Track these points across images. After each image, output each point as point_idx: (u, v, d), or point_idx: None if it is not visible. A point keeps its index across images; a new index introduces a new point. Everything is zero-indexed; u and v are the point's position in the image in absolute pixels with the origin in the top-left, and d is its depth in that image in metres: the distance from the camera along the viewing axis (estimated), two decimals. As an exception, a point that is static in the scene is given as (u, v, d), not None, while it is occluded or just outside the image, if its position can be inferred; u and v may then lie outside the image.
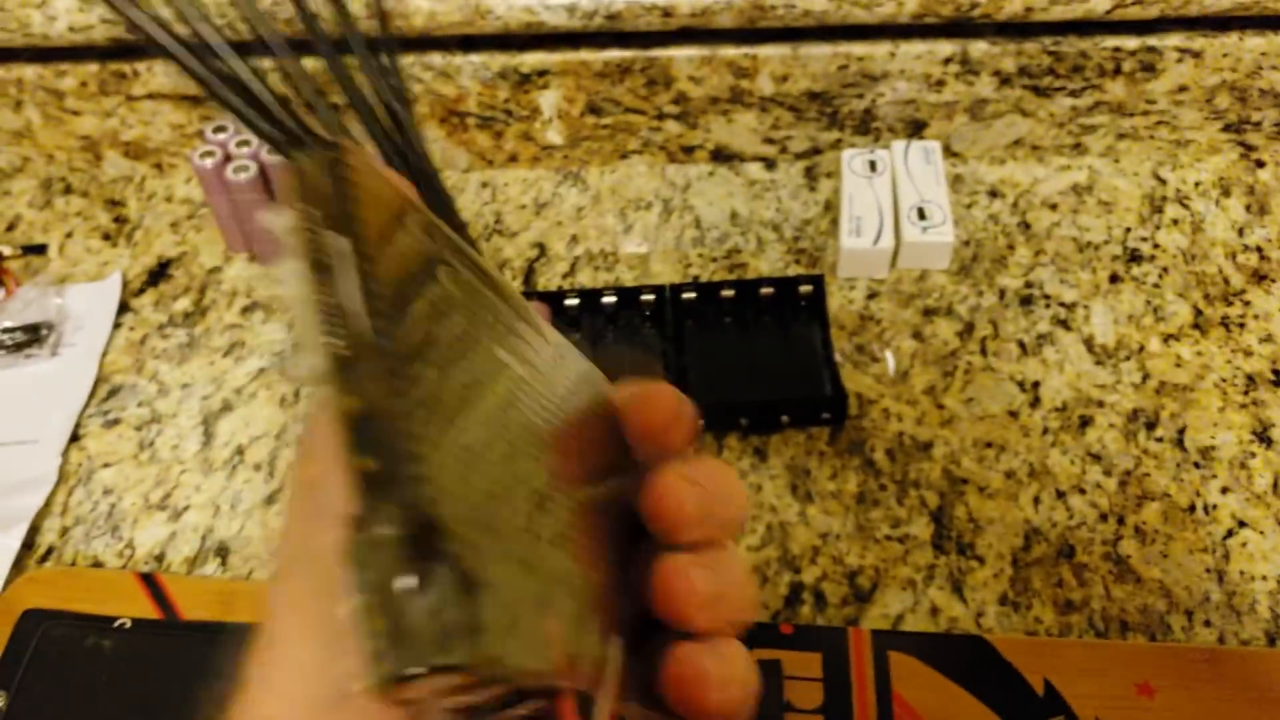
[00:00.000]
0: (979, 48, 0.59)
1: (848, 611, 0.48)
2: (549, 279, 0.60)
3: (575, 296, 0.56)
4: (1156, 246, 0.59)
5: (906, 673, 0.44)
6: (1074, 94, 0.60)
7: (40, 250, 0.63)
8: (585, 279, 0.60)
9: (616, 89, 0.61)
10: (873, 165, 0.60)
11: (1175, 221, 0.60)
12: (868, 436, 0.52)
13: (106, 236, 0.64)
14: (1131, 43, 0.58)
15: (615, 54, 0.60)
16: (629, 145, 0.64)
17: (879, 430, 0.53)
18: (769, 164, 0.65)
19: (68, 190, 0.67)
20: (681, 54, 0.59)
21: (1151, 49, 0.58)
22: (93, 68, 0.62)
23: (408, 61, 0.60)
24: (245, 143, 0.59)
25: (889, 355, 0.55)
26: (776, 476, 0.51)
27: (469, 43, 0.60)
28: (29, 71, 0.62)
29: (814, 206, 0.62)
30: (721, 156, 0.65)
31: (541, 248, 0.61)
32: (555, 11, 0.56)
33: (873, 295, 0.58)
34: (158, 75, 0.62)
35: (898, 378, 0.54)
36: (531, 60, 0.60)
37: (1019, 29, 0.58)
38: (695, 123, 0.63)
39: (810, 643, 0.46)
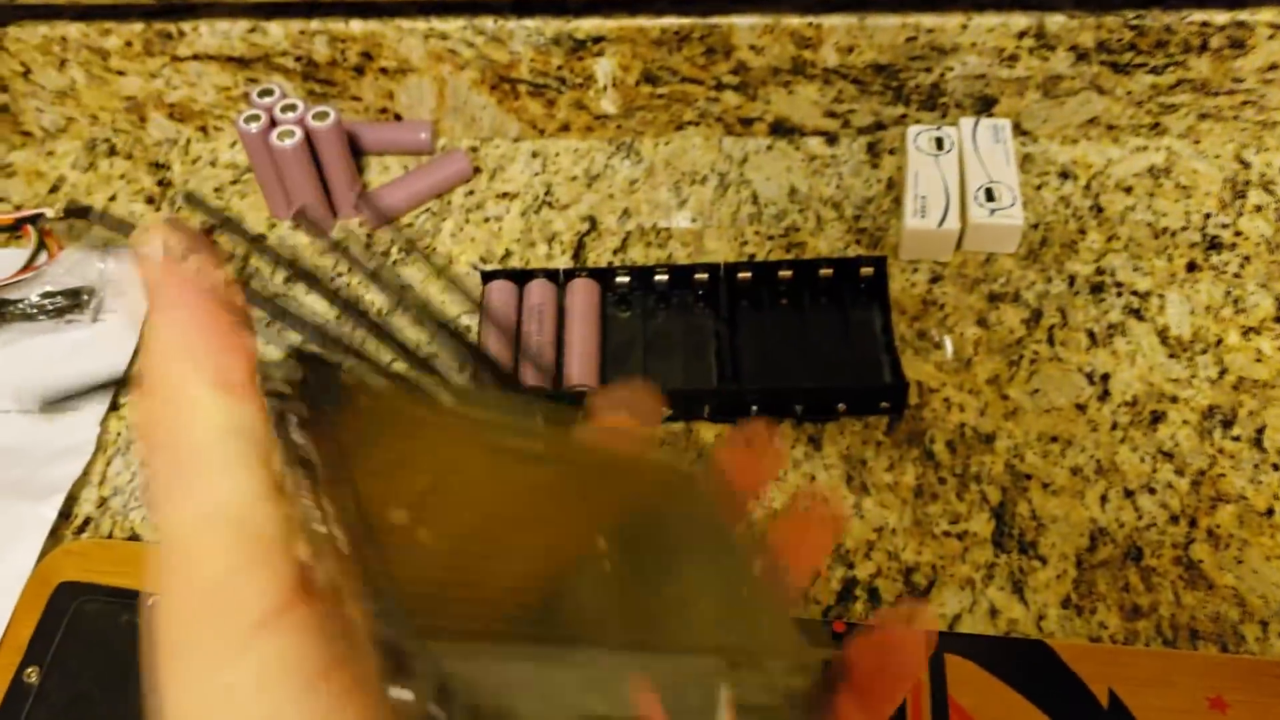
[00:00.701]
0: (1056, 21, 0.56)
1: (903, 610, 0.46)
2: (599, 254, 0.58)
3: (626, 274, 0.54)
4: (1238, 234, 0.56)
5: (963, 677, 0.42)
6: (1155, 71, 0.57)
7: (84, 213, 0.62)
8: (637, 255, 0.58)
9: (674, 57, 0.58)
10: (939, 143, 0.57)
11: (1259, 208, 0.57)
12: (928, 427, 0.50)
13: (150, 200, 0.63)
14: (1221, 17, 0.55)
15: (673, 21, 0.57)
16: (685, 116, 0.62)
17: (939, 421, 0.50)
18: (830, 139, 0.62)
19: (112, 152, 0.66)
20: (743, 22, 0.57)
21: (1241, 24, 0.55)
22: (138, 27, 0.60)
23: (458, 25, 0.58)
24: (290, 108, 0.57)
25: (948, 342, 0.53)
26: (832, 467, 0.49)
27: (522, 6, 0.58)
28: (73, 29, 0.61)
29: (876, 184, 0.60)
30: (781, 130, 0.62)
31: (592, 221, 0.60)
32: (612, -24, 0.54)
33: (936, 279, 0.55)
34: (203, 35, 0.60)
35: (960, 366, 0.52)
36: (587, 26, 0.58)
37: (1099, 2, 0.55)
38: (754, 94, 0.60)
39: (863, 642, 0.44)
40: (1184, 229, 0.56)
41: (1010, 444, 0.50)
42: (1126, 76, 0.57)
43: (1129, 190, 0.58)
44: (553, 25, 0.58)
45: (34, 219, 0.60)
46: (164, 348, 0.21)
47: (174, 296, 0.21)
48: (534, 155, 0.63)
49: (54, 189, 0.64)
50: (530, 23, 0.58)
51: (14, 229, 0.61)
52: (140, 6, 0.60)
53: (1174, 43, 0.56)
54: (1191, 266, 0.55)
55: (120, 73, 0.63)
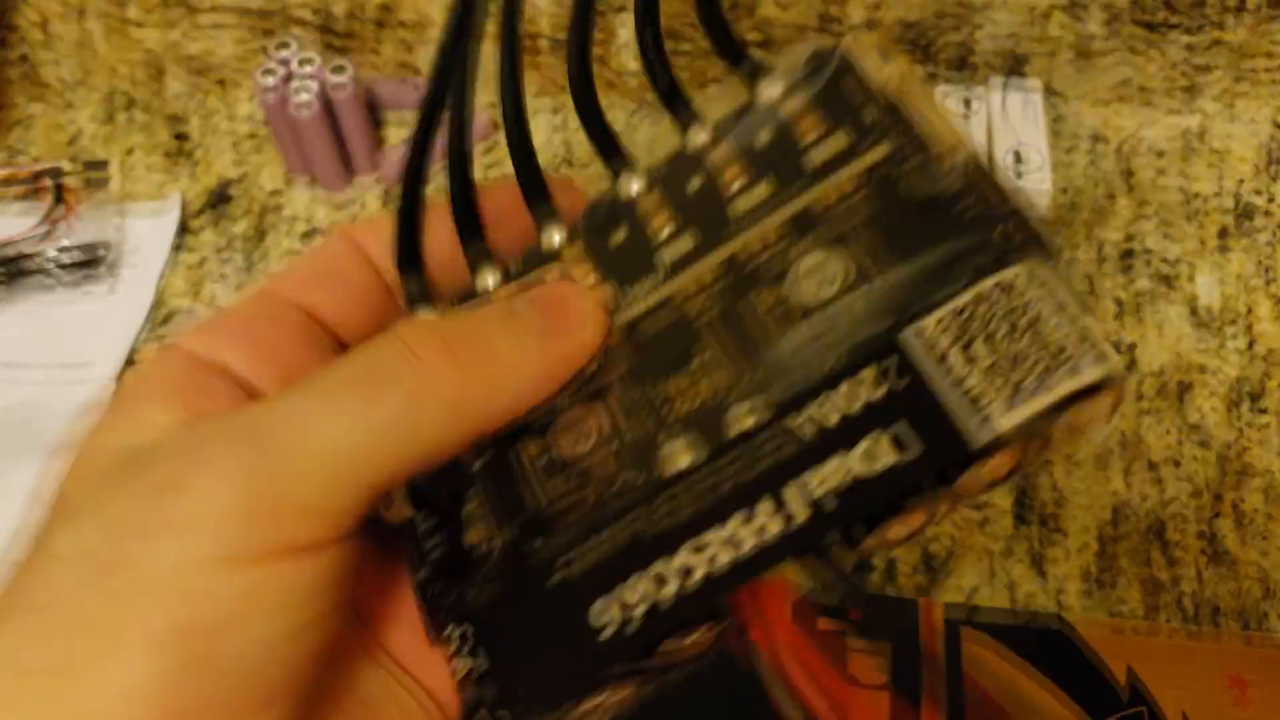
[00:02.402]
0: (1090, -20, 0.54)
1: (919, 581, 0.45)
2: (619, 215, 0.57)
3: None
4: (1272, 201, 0.55)
5: (979, 652, 0.42)
6: (1190, 32, 0.55)
7: (101, 166, 0.61)
8: (657, 216, 0.57)
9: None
10: (967, 104, 0.56)
11: (1294, 175, 0.56)
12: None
13: (167, 155, 0.63)
14: (1259, -22, 0.53)
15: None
16: (709, 73, 0.61)
17: (961, 390, 0.50)
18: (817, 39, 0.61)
19: (130, 105, 0.65)
20: (767, -21, 0.56)
21: (1281, -14, 0.53)
22: (155, -21, 0.60)
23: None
24: (308, 61, 0.56)
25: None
26: (850, 436, 0.49)
27: (543, -38, 0.57)
28: (90, -19, 0.60)
29: (902, 146, 0.59)
30: (768, 57, 0.61)
31: (612, 181, 0.59)
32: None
33: (961, 245, 0.54)
34: (221, -12, 0.60)
35: (984, 335, 0.51)
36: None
37: (1135, -40, 0.54)
38: (780, 51, 0.59)
39: (880, 613, 0.43)
40: (1217, 195, 0.55)
41: (1033, 415, 0.49)
42: (1160, 38, 0.56)
43: (1161, 155, 0.57)
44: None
45: (52, 173, 0.60)
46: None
47: None
48: (554, 111, 0.62)
49: (71, 141, 0.64)
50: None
51: (32, 182, 0.61)
52: (157, -40, 0.59)
53: (1210, 4, 0.54)
54: (1223, 234, 0.54)
55: (138, 24, 0.62)
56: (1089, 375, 0.18)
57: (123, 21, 0.62)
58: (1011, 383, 0.19)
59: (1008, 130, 0.55)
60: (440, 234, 0.25)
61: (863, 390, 0.20)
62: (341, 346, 0.25)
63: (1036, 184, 0.53)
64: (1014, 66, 0.58)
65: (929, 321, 0.20)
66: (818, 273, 0.22)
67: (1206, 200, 0.55)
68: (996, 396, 0.19)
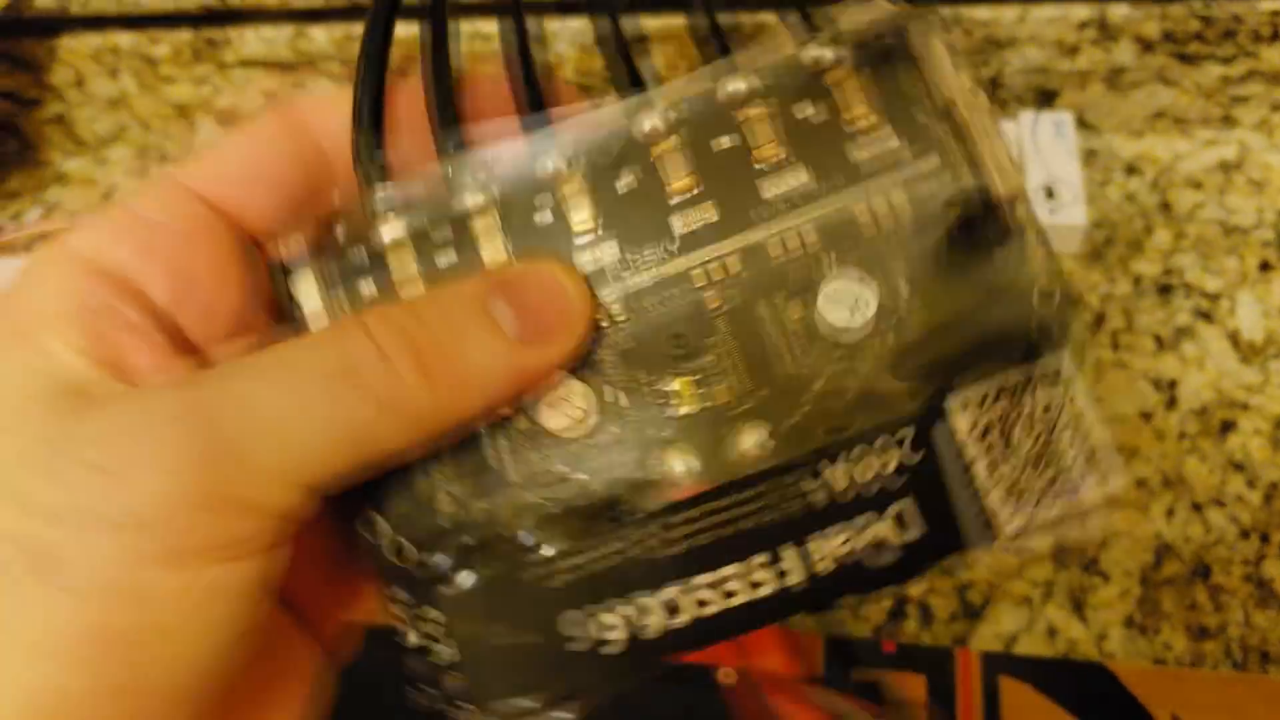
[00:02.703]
0: (1119, 11, 0.53)
1: (956, 629, 0.44)
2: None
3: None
4: (1314, 231, 0.53)
5: (1019, 701, 0.41)
6: (1224, 62, 0.54)
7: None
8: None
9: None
10: (997, 139, 0.55)
11: (1336, 203, 0.54)
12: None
13: (199, 207, 0.63)
14: (1293, 5, 0.52)
15: (721, 19, 0.56)
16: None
17: (996, 430, 0.49)
18: None
19: (163, 159, 0.66)
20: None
21: (1316, 12, 0.52)
22: (185, 35, 0.61)
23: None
24: (335, 113, 0.57)
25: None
26: (882, 478, 0.48)
27: (566, 7, 0.57)
28: (124, 39, 0.61)
29: (931, 183, 0.58)
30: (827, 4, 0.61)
31: (639, 224, 0.59)
32: (656, -26, 0.53)
33: (993, 281, 0.53)
34: (249, 42, 0.60)
35: (1018, 373, 0.50)
36: (631, 26, 0.57)
37: (1165, -10, 0.53)
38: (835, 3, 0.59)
39: (914, 663, 0.42)
40: (1257, 227, 0.54)
41: (1070, 454, 0.48)
42: (1194, 68, 0.55)
43: (1198, 186, 0.56)
44: (597, 25, 0.57)
45: (86, 228, 0.61)
46: None
47: None
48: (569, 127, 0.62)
49: (107, 196, 0.65)
50: (575, 23, 0.57)
51: (67, 238, 0.62)
52: (187, 15, 0.60)
53: (1243, 32, 0.53)
54: (1264, 266, 0.52)
55: (169, 80, 0.63)
56: (1096, 495, 0.19)
57: (155, 77, 0.63)
58: (1019, 489, 0.19)
59: (1039, 164, 0.54)
60: (412, 110, 0.22)
61: (875, 459, 0.20)
62: (263, 255, 0.22)
63: (1070, 218, 0.52)
64: (1044, 99, 0.58)
65: (955, 403, 0.20)
66: (849, 298, 0.21)
67: (1246, 232, 0.53)
68: (1004, 502, 0.19)
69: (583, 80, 0.59)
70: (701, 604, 0.20)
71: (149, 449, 0.17)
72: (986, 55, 0.56)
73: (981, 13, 0.54)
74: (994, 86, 0.57)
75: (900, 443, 0.20)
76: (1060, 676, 0.41)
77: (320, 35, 0.59)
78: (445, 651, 0.21)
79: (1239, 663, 0.42)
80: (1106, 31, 0.54)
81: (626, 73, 0.23)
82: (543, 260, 0.22)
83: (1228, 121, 0.57)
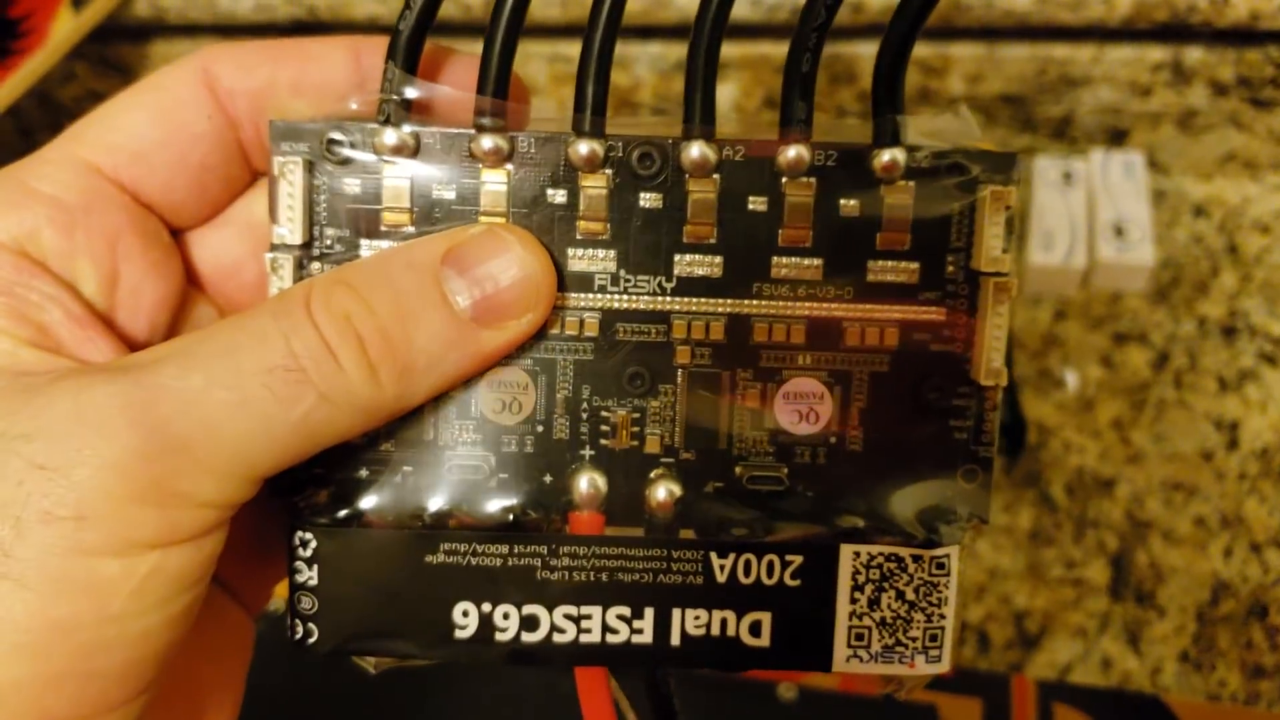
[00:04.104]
0: (1193, 55, 0.54)
1: (1012, 656, 0.45)
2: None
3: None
4: (1381, 279, 0.54)
5: (1073, 730, 0.42)
6: (1298, 108, 0.55)
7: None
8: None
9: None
10: (1067, 176, 0.56)
11: (1405, 253, 0.54)
12: (1045, 468, 0.49)
13: (280, 211, 0.65)
14: (1370, 55, 0.53)
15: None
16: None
17: (1058, 463, 0.49)
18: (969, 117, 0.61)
19: (246, 163, 0.68)
20: (868, 50, 0.56)
21: (1392, 63, 0.53)
22: (276, 44, 0.62)
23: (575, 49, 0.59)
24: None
25: (1070, 377, 0.51)
26: (943, 505, 0.49)
27: (647, 32, 0.59)
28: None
29: (999, 216, 0.59)
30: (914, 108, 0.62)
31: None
32: (739, 3, 0.54)
33: (1060, 315, 0.54)
34: (337, 53, 0.62)
35: (1081, 407, 0.51)
36: (678, 52, 0.58)
37: (1241, 36, 0.53)
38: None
39: (970, 687, 0.43)
40: (1324, 272, 0.54)
41: (1131, 490, 0.48)
42: (1266, 112, 0.55)
43: (1266, 230, 0.56)
44: (675, 50, 0.58)
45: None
46: None
47: None
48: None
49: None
50: (654, 48, 0.58)
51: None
52: (276, 25, 0.61)
53: (1320, 80, 0.54)
54: (1331, 312, 0.53)
55: (257, 87, 0.65)
56: (920, 672, 0.21)
57: (244, 84, 0.65)
58: (863, 642, 0.21)
59: (1109, 202, 0.55)
60: (459, 67, 0.22)
61: (758, 569, 0.21)
62: (169, 228, 0.22)
63: (1138, 257, 0.53)
64: (1115, 138, 0.58)
65: (847, 552, 0.21)
66: (805, 403, 0.22)
67: (1313, 276, 0.54)
68: (845, 645, 0.21)
69: (659, 103, 0.61)
70: (556, 629, 0.21)
71: (90, 445, 0.17)
72: (1060, 93, 0.57)
73: (1059, 51, 0.55)
74: (1066, 124, 0.58)
75: (786, 565, 0.21)
76: (1115, 707, 0.42)
77: (406, 49, 0.61)
78: (306, 573, 0.22)
79: (1294, 704, 0.42)
80: (1180, 74, 0.55)
81: (700, 106, 0.22)
82: (507, 228, 0.21)
83: (1298, 167, 0.57)
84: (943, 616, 0.22)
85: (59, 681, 0.17)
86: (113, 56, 0.64)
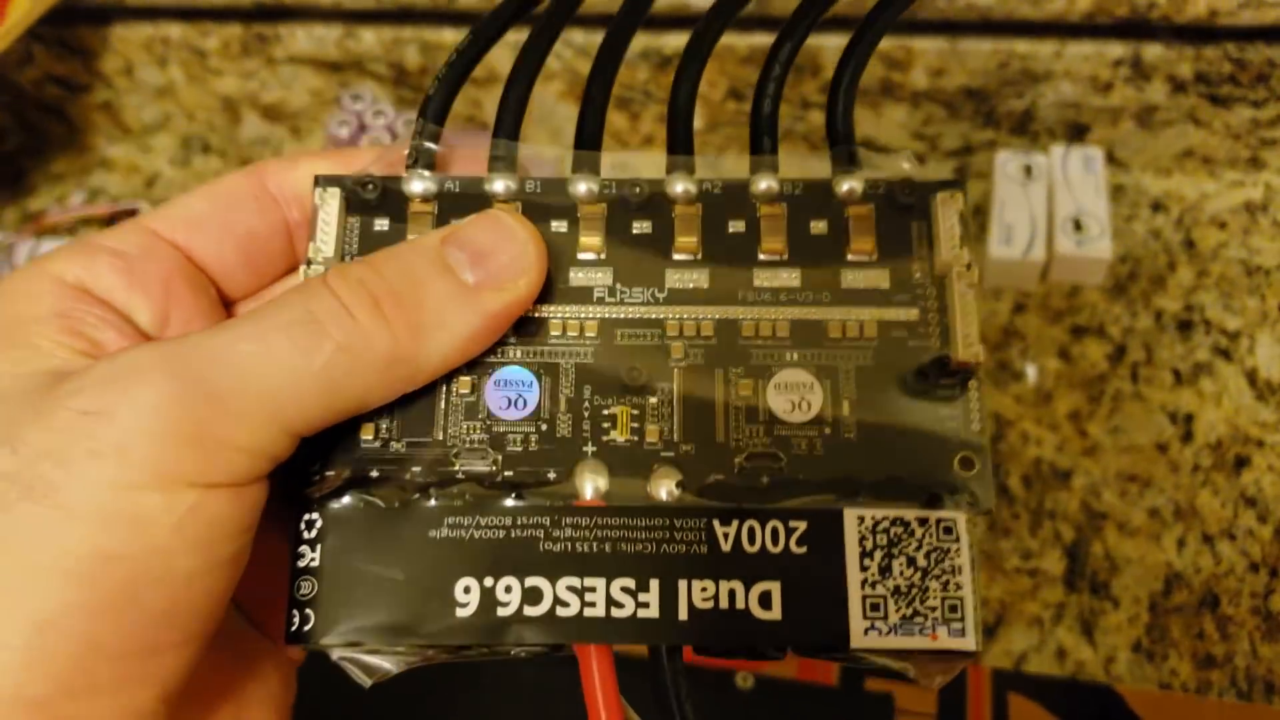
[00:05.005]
0: (1153, 51, 0.55)
1: (968, 645, 0.45)
2: (677, 269, 0.58)
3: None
4: (1335, 275, 0.54)
5: (1026, 718, 0.42)
6: (1255, 105, 0.55)
7: (177, 208, 0.63)
8: (715, 272, 0.58)
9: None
10: (1028, 170, 0.56)
11: (1358, 249, 0.55)
12: (1003, 460, 0.50)
13: (241, 198, 0.64)
14: (1325, 53, 0.53)
15: (762, 39, 0.57)
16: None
17: (1016, 454, 0.50)
18: (917, 161, 0.62)
19: (206, 149, 0.67)
20: (831, 43, 0.57)
21: (1347, 61, 0.53)
22: (236, 29, 0.62)
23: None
24: (381, 113, 0.58)
25: (1030, 369, 0.52)
26: (902, 496, 0.49)
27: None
28: (175, 30, 0.62)
29: (961, 210, 0.59)
30: (868, 150, 0.62)
31: (672, 236, 0.60)
32: (703, -7, 0.54)
33: (1019, 308, 0.54)
34: (299, 39, 0.61)
35: (1039, 399, 0.51)
36: (675, 42, 0.58)
37: (1200, 33, 0.54)
38: (876, 150, 0.60)
39: (926, 676, 0.43)
40: (1279, 269, 0.55)
41: (1087, 481, 0.49)
42: (1225, 109, 0.56)
43: (1223, 226, 0.57)
44: (641, 40, 0.58)
45: (130, 212, 0.62)
46: None
47: None
48: (614, 167, 0.63)
49: (150, 184, 0.66)
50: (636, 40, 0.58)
51: (110, 221, 0.63)
52: (239, 10, 0.61)
53: (1276, 76, 0.54)
54: (1285, 307, 0.53)
55: (217, 72, 0.64)
56: (945, 644, 0.21)
57: (203, 68, 0.64)
58: (879, 612, 0.21)
59: (1068, 196, 0.55)
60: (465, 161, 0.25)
61: (764, 537, 0.21)
62: (221, 296, 0.25)
63: (1096, 251, 0.53)
64: (1075, 133, 0.59)
65: (851, 516, 0.21)
66: (795, 392, 0.23)
67: (1269, 272, 0.54)
68: (861, 617, 0.21)
69: (624, 93, 0.61)
70: (559, 603, 0.21)
71: (132, 393, 0.19)
72: (1022, 88, 0.57)
73: (1021, 46, 0.55)
74: (1028, 119, 0.58)
75: (791, 531, 0.21)
76: (1069, 697, 0.42)
77: (369, 37, 0.61)
78: (309, 555, 0.22)
79: (1244, 692, 0.43)
80: (1140, 70, 0.55)
81: (681, 138, 0.25)
82: (498, 208, 0.24)
83: (1255, 163, 0.58)
84: (959, 586, 0.21)
85: (107, 611, 0.18)
86: (72, 39, 0.64)
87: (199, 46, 0.63)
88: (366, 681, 0.23)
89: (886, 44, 0.56)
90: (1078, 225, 0.54)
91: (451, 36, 0.60)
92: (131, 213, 0.62)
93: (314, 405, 0.20)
